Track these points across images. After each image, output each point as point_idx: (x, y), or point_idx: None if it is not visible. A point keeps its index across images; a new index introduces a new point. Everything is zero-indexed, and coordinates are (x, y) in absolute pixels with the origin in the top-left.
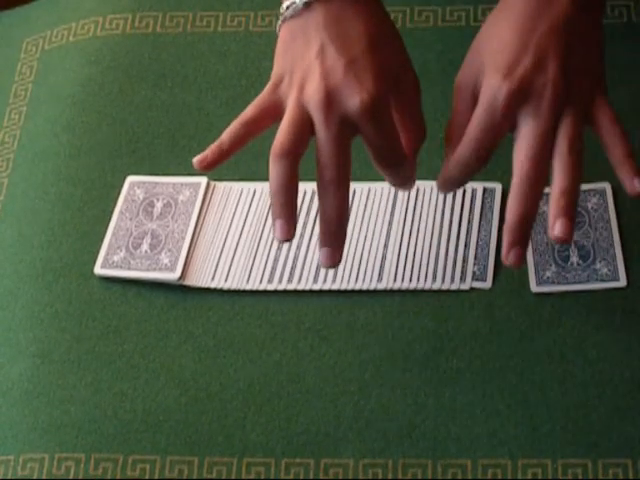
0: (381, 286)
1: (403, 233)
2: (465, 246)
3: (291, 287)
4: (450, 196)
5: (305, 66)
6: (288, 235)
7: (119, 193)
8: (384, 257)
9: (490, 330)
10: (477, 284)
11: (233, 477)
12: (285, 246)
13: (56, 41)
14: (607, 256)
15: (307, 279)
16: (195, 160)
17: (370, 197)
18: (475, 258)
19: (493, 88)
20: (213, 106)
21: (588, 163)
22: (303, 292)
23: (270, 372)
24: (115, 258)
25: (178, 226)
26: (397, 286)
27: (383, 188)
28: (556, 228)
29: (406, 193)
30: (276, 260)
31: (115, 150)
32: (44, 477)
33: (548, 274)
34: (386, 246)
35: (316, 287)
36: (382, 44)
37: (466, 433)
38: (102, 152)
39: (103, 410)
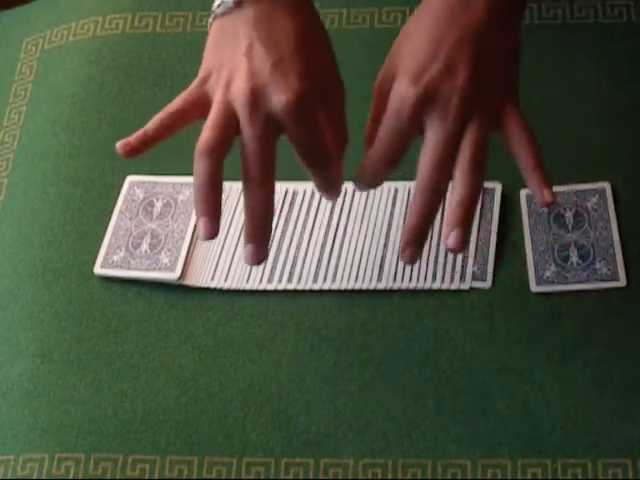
0: (381, 286)
1: (403, 233)
2: None
3: (291, 287)
4: (449, 196)
5: (233, 63)
6: (212, 233)
7: (119, 193)
8: (384, 257)
9: (490, 330)
10: (477, 284)
11: (233, 477)
12: (285, 246)
13: (56, 41)
14: (607, 256)
15: (307, 279)
16: (118, 145)
17: (370, 197)
18: (475, 258)
19: (401, 93)
20: None
21: (587, 163)
22: (303, 292)
23: (270, 372)
24: (115, 258)
25: (178, 226)
26: (397, 286)
27: (382, 188)
28: (450, 239)
29: (406, 192)
30: (276, 260)
31: (115, 150)
32: (44, 477)
33: (548, 274)
34: (386, 246)
35: (316, 287)
36: (310, 46)
37: (466, 433)
38: (102, 152)
39: (103, 410)
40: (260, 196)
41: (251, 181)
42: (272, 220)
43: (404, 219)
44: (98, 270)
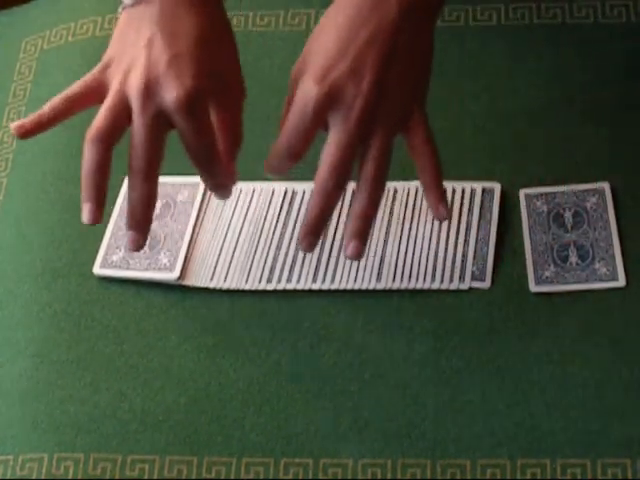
0: (380, 286)
1: (402, 233)
2: (464, 246)
3: (290, 287)
4: (449, 196)
5: (133, 54)
6: (95, 219)
7: (118, 193)
8: (383, 257)
9: (489, 330)
10: (476, 284)
11: (232, 477)
12: (284, 246)
13: (55, 41)
14: (606, 256)
15: (306, 279)
16: (12, 126)
17: None
18: (474, 258)
19: (305, 91)
20: None
21: (587, 163)
22: (302, 292)
23: (269, 372)
24: (114, 258)
25: (177, 226)
26: (396, 286)
27: None
28: (349, 249)
29: (405, 192)
30: (275, 260)
31: (114, 150)
32: (43, 477)
33: (547, 274)
34: (385, 246)
35: (315, 287)
36: (211, 45)
37: (465, 433)
38: None
39: (102, 410)
40: (142, 188)
41: (135, 173)
42: (153, 210)
43: (403, 219)
44: (97, 270)
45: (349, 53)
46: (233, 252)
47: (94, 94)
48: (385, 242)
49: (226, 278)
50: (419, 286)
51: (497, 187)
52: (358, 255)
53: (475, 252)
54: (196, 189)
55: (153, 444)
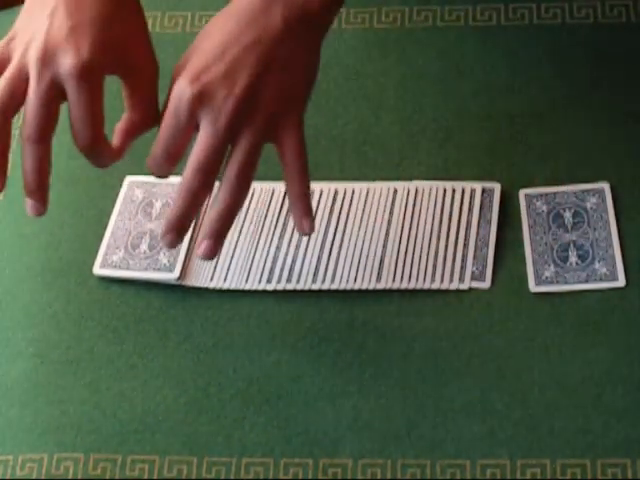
0: (380, 286)
1: (402, 233)
2: (464, 246)
3: (290, 287)
4: (449, 196)
5: (36, 26)
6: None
7: (118, 193)
8: (383, 257)
9: (489, 330)
10: (476, 284)
11: (232, 477)
12: (284, 246)
13: None
14: (606, 256)
15: (306, 279)
16: None
17: (369, 197)
18: (474, 258)
19: (179, 91)
20: None
21: (587, 163)
22: (302, 292)
23: (269, 372)
24: (114, 258)
25: None
26: (396, 286)
27: (382, 188)
28: (201, 248)
29: (405, 192)
30: (275, 260)
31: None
32: (43, 477)
33: (547, 274)
34: (385, 246)
35: (315, 287)
36: (115, 19)
37: (465, 433)
38: None
39: (102, 410)
40: (32, 155)
41: (26, 140)
42: (47, 176)
43: (403, 219)
44: (97, 270)
45: (226, 56)
46: (233, 252)
47: (0, 67)
48: (385, 242)
49: (226, 278)
50: (419, 286)
51: (497, 187)
52: (210, 255)
53: (475, 252)
54: None
55: (153, 444)
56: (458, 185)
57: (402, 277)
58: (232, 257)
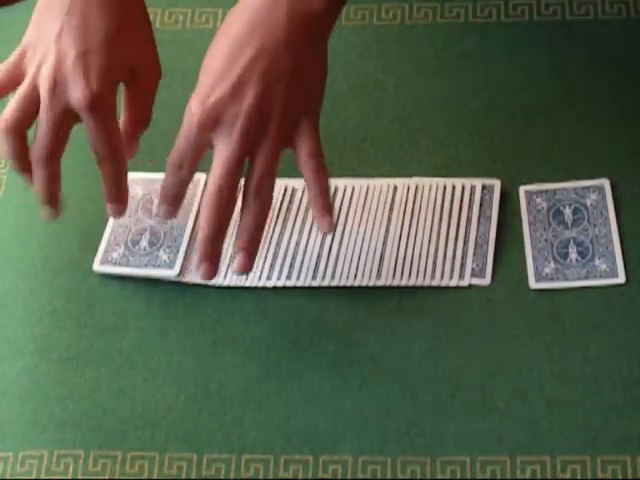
0: (380, 283)
1: (402, 230)
2: (464, 243)
3: (290, 284)
4: (449, 193)
5: (45, 47)
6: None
7: None
8: (383, 254)
9: (489, 327)
10: (476, 280)
11: (232, 474)
12: (284, 243)
13: None
14: (606, 252)
15: (306, 276)
16: None
17: (369, 194)
18: (474, 255)
19: (190, 112)
20: None
21: (587, 159)
22: (302, 289)
23: (269, 369)
24: (114, 255)
25: (177, 223)
26: (396, 283)
27: (382, 185)
28: (237, 263)
29: (405, 189)
30: (275, 257)
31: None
32: (43, 474)
33: (547, 270)
34: (385, 243)
35: (315, 284)
36: (121, 39)
37: (465, 430)
38: None
39: (102, 407)
40: (45, 174)
41: (37, 161)
42: (59, 190)
43: (403, 216)
44: (97, 267)
45: (232, 72)
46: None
47: (14, 83)
48: (385, 239)
49: (226, 275)
50: (419, 283)
51: (497, 184)
52: (246, 268)
53: (475, 249)
54: (196, 186)
55: (153, 441)
56: (458, 182)
57: (402, 274)
58: (231, 254)
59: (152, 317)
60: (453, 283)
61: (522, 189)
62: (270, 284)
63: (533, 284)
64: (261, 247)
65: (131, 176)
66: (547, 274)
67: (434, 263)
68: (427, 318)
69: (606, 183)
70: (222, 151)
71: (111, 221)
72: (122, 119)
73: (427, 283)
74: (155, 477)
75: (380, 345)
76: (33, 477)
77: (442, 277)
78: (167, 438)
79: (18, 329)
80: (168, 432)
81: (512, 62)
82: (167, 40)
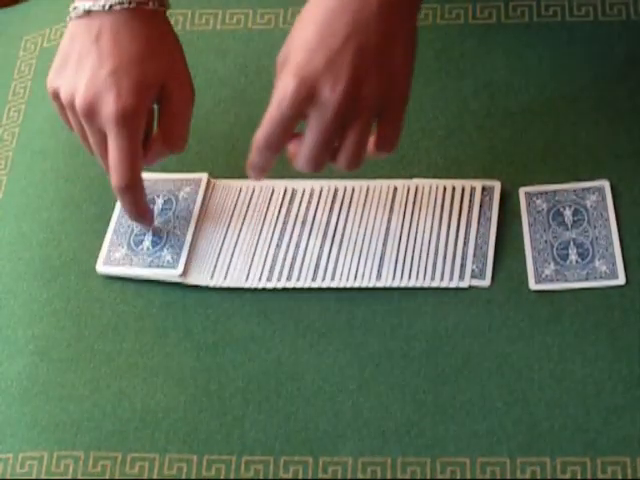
0: (380, 284)
1: (402, 231)
2: (464, 244)
3: (290, 285)
4: (449, 194)
5: (75, 78)
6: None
7: None
8: (383, 255)
9: (489, 328)
10: (476, 282)
11: (232, 475)
12: (284, 244)
13: (55, 39)
14: (606, 254)
15: (306, 277)
16: None
17: (369, 195)
18: (474, 256)
19: (283, 86)
20: (212, 104)
21: (587, 160)
22: (302, 290)
23: (269, 370)
24: (117, 255)
25: (179, 222)
26: (396, 284)
27: (382, 186)
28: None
29: (405, 190)
30: (275, 258)
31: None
32: (43, 475)
33: (547, 272)
34: (385, 244)
35: (315, 285)
36: (151, 57)
37: (465, 431)
38: None
39: (102, 408)
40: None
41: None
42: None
43: (403, 217)
44: (100, 268)
45: (327, 47)
46: (233, 251)
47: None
48: (385, 240)
49: (226, 276)
50: (419, 284)
51: (497, 185)
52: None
53: (475, 250)
54: (198, 185)
55: (153, 442)
56: (458, 183)
57: (402, 275)
58: (232, 255)
59: (152, 318)
60: (453, 284)
61: (522, 190)
62: (270, 285)
63: (533, 285)
64: (261, 248)
65: None
66: (547, 275)
67: (434, 264)
68: (427, 319)
69: (606, 184)
70: (315, 127)
71: (113, 221)
72: (154, 137)
73: (427, 284)
74: (155, 478)
75: (380, 346)
76: (33, 478)
77: (442, 278)
78: (167, 439)
79: (18, 329)
80: (168, 433)
81: (512, 63)
82: None
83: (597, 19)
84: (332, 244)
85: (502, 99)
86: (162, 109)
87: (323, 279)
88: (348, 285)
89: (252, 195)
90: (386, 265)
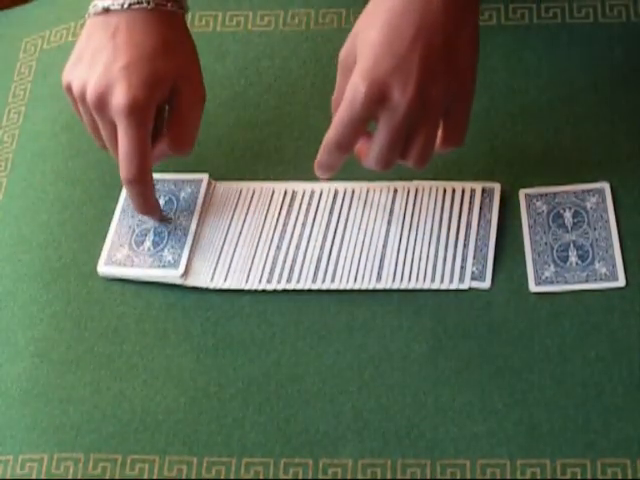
0: (380, 286)
1: (402, 233)
2: (464, 246)
3: (290, 287)
4: (449, 196)
5: (89, 72)
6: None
7: (119, 192)
8: (383, 257)
9: (489, 330)
10: (476, 284)
11: (232, 477)
12: (284, 246)
13: (55, 40)
14: (606, 256)
15: (306, 279)
16: None
17: (369, 197)
18: (474, 258)
19: (354, 86)
20: (212, 105)
21: (587, 162)
22: (302, 292)
23: (269, 372)
24: (118, 256)
25: (180, 223)
26: (396, 286)
27: (382, 188)
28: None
29: (405, 192)
30: (275, 260)
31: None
32: (43, 477)
33: (547, 274)
34: (385, 246)
35: (315, 287)
36: (163, 55)
37: (465, 433)
38: (101, 151)
39: (102, 410)
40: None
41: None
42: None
43: (403, 219)
44: (102, 268)
45: (394, 49)
46: (233, 252)
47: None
48: (385, 242)
49: (226, 278)
50: (419, 286)
51: (497, 187)
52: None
53: (475, 252)
54: (199, 186)
55: (153, 444)
56: (458, 185)
57: (402, 277)
58: (232, 257)
59: (152, 320)
60: (453, 286)
61: (522, 192)
62: (270, 287)
63: (533, 287)
64: (261, 250)
65: None
66: (547, 277)
67: (434, 266)
68: (427, 321)
69: (606, 186)
70: (385, 127)
71: (114, 222)
72: (160, 137)
73: (427, 286)
74: None
75: (380, 348)
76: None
77: (442, 280)
78: (167, 441)
79: (18, 331)
80: (168, 435)
81: (512, 65)
82: None
83: (597, 21)
84: (332, 246)
85: (502, 101)
86: (171, 109)
87: (323, 281)
88: (348, 287)
89: (252, 197)
90: (386, 267)
